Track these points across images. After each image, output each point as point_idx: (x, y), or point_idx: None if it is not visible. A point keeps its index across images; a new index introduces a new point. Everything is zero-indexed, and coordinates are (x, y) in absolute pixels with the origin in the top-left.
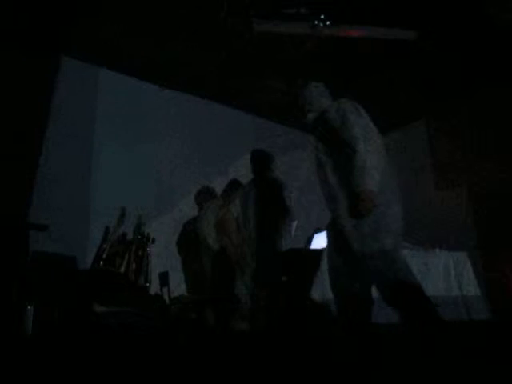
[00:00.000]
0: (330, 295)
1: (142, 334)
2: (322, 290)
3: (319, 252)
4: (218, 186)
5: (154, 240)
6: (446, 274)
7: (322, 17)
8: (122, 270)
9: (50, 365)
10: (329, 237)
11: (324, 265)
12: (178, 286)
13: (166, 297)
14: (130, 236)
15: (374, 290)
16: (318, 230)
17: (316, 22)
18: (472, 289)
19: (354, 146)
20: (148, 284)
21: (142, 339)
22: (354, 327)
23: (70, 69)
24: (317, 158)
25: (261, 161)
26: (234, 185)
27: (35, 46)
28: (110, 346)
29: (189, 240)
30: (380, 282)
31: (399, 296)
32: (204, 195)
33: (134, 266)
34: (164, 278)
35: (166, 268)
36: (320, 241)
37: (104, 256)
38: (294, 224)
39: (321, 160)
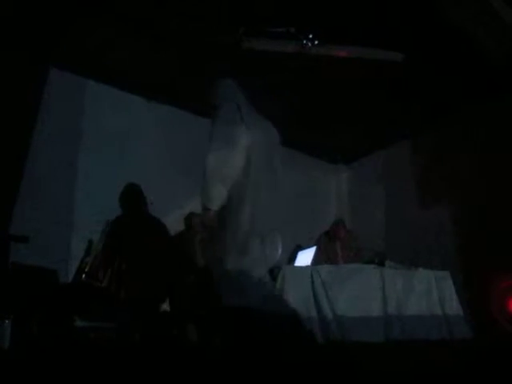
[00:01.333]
0: None
1: (123, 349)
2: None
3: None
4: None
5: None
6: (428, 293)
7: (311, 36)
8: (105, 283)
9: (26, 382)
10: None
11: None
12: None
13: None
14: None
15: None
16: (300, 248)
17: (304, 42)
18: (454, 307)
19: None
20: None
21: (123, 354)
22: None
23: (58, 78)
24: None
25: None
26: None
27: (27, 51)
28: (90, 362)
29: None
30: None
31: None
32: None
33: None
34: None
35: None
36: (304, 258)
37: (86, 269)
38: None
39: None
